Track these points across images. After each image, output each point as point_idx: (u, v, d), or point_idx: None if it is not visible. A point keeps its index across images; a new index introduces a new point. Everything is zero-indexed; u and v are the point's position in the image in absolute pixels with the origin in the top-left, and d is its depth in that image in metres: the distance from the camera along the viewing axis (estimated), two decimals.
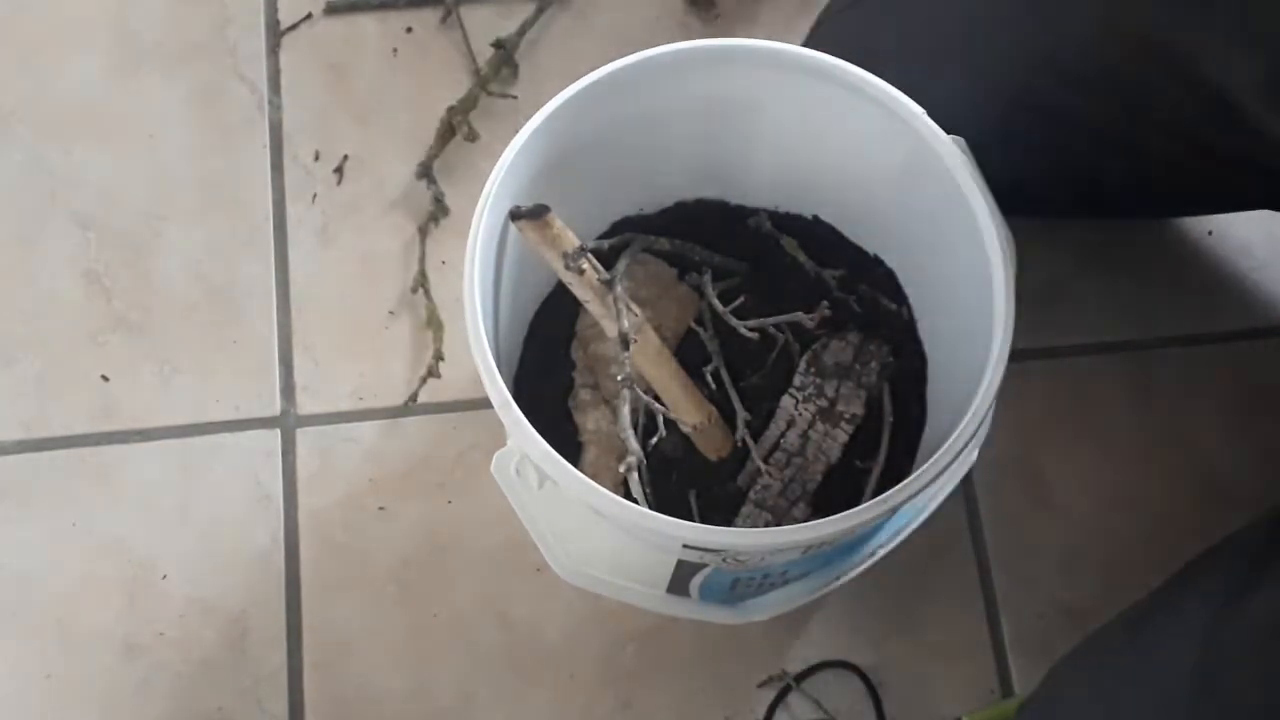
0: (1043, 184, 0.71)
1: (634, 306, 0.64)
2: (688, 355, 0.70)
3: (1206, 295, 0.84)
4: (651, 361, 0.66)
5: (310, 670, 0.75)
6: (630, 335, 0.62)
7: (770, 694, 0.75)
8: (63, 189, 0.84)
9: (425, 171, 0.84)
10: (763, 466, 0.67)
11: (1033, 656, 0.76)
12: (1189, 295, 0.84)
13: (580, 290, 0.62)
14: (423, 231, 0.83)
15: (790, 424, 0.69)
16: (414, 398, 0.79)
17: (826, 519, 0.54)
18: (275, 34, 0.88)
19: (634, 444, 0.62)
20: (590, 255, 0.61)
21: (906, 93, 0.62)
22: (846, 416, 0.69)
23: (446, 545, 0.77)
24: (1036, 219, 0.69)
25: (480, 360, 0.57)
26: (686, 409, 0.67)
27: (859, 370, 0.70)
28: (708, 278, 0.70)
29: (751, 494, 0.68)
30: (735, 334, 0.67)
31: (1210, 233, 0.85)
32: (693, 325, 0.72)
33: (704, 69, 0.64)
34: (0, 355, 0.80)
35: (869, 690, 0.75)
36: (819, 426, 0.69)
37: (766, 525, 0.67)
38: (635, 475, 0.60)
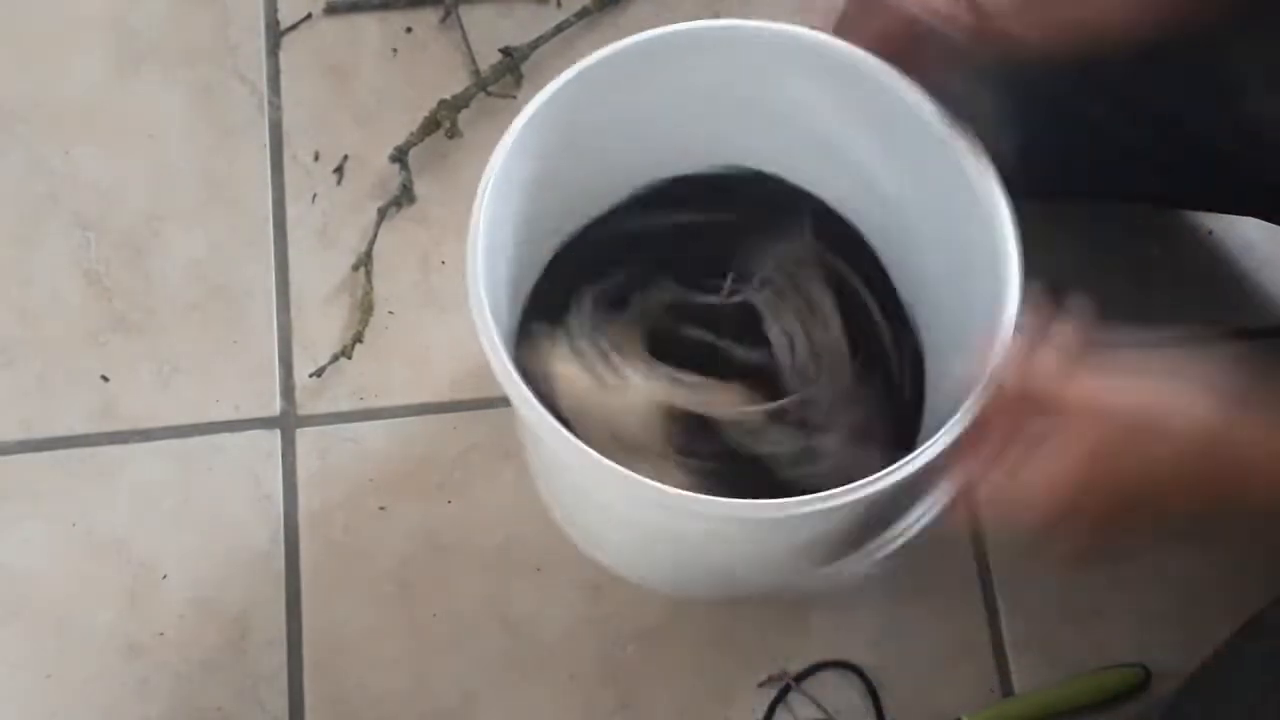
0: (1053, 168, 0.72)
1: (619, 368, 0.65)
2: (687, 355, 0.70)
3: (1207, 294, 0.84)
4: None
5: (310, 670, 0.75)
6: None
7: (770, 694, 0.75)
8: (63, 189, 0.84)
9: (399, 156, 0.84)
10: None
11: (1033, 656, 0.76)
12: (1189, 295, 0.84)
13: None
14: (381, 213, 0.83)
15: (791, 341, 0.70)
16: (320, 372, 0.79)
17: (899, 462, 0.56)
18: (275, 34, 0.88)
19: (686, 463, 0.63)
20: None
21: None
22: (825, 306, 0.70)
23: (446, 545, 0.77)
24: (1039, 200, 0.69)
25: (490, 352, 0.57)
26: (713, 404, 0.67)
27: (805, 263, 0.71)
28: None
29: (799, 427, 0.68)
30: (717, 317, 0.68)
31: (1211, 232, 0.85)
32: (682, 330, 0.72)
33: (709, 51, 0.64)
34: (0, 355, 0.80)
35: (869, 690, 0.75)
36: (811, 330, 0.70)
37: (813, 449, 0.67)
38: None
